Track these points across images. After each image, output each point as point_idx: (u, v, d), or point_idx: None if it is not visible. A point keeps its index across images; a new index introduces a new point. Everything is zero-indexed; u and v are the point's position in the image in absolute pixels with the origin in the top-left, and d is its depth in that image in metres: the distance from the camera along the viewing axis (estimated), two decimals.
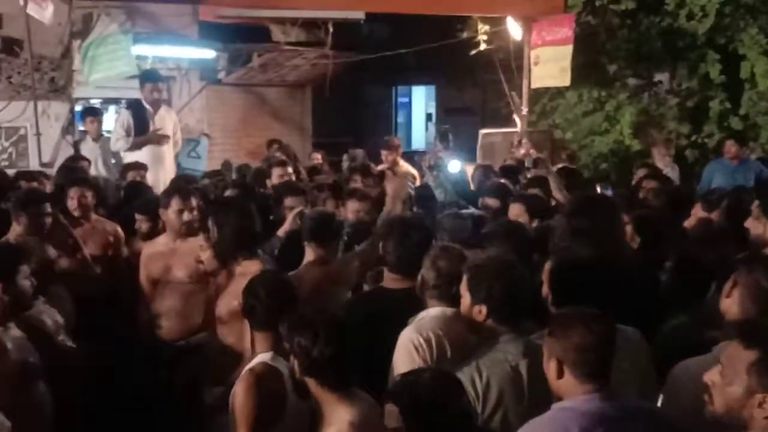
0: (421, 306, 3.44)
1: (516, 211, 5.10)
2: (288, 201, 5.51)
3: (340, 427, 2.79)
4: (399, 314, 3.42)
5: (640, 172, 7.29)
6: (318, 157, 10.12)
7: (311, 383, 2.95)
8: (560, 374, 2.58)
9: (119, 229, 5.49)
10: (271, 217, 5.59)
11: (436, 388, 2.51)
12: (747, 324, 2.44)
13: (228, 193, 6.27)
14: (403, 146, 17.69)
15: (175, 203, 4.62)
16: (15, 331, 3.57)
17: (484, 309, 3.04)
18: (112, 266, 5.30)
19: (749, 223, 4.37)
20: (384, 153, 8.23)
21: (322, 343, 2.89)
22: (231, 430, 3.28)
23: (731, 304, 2.97)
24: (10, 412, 3.14)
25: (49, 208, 4.87)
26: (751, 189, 5.83)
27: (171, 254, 4.64)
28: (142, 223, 5.35)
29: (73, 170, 6.60)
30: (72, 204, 5.33)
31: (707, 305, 3.43)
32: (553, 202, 5.64)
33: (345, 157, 9.10)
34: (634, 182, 6.91)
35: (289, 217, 5.21)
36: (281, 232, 5.14)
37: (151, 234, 5.16)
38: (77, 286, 4.59)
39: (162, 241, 4.76)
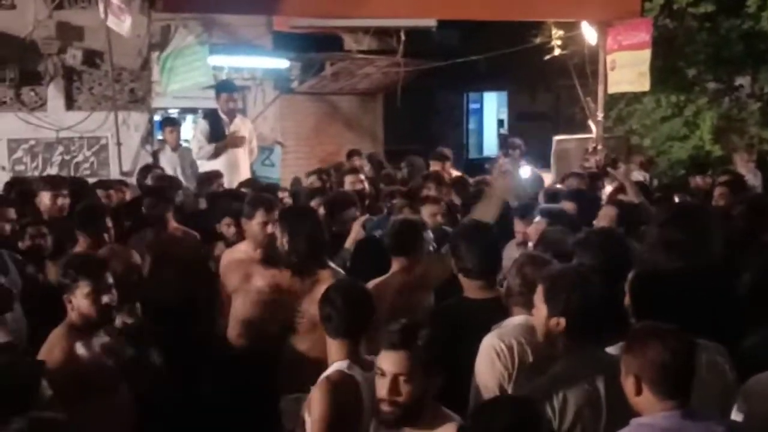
0: (503, 315, 3.42)
1: (606, 212, 5.04)
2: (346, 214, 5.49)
3: None
4: (481, 324, 3.40)
5: (722, 179, 7.08)
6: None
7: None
8: (639, 391, 2.55)
9: (197, 237, 5.60)
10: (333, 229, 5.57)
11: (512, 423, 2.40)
12: None
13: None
14: (474, 153, 17.79)
15: (260, 215, 4.59)
16: (103, 339, 3.67)
17: (562, 321, 2.98)
18: (191, 273, 5.39)
19: None
20: (432, 163, 8.16)
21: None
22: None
23: None
24: (92, 416, 3.23)
25: (108, 223, 4.97)
26: None
27: (251, 262, 4.64)
28: (227, 228, 5.40)
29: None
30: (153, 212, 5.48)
31: None
32: None
33: (403, 164, 9.07)
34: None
35: (355, 226, 5.22)
36: (348, 243, 5.14)
37: (237, 239, 5.18)
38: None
39: (242, 249, 4.78)
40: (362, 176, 7.17)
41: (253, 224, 4.62)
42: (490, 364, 3.17)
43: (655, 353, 2.51)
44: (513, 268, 3.46)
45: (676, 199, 6.03)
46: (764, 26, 9.87)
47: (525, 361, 3.17)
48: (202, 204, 6.68)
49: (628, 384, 2.58)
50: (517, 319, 3.34)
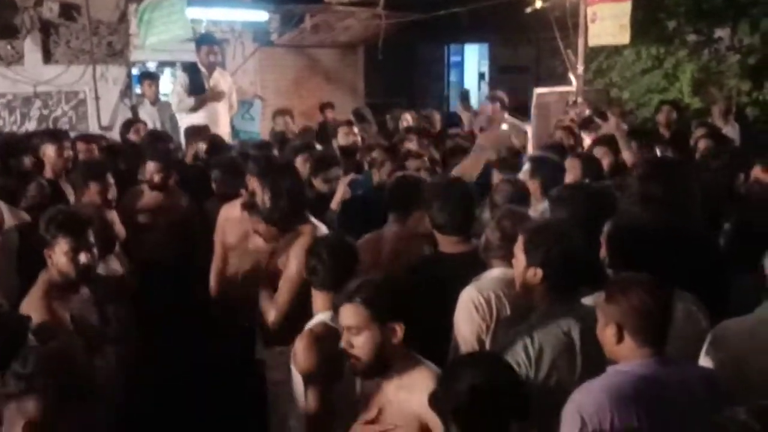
0: (479, 269, 3.46)
1: (570, 164, 5.07)
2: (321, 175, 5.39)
3: (428, 387, 2.72)
4: (458, 278, 3.44)
5: (698, 132, 7.15)
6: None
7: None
8: (620, 339, 2.59)
9: (188, 199, 5.63)
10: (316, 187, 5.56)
11: (478, 392, 2.38)
12: None
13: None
14: (455, 106, 17.73)
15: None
16: (83, 297, 3.68)
17: (539, 272, 3.02)
18: (186, 233, 5.43)
19: None
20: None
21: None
22: (291, 387, 3.37)
23: None
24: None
25: (111, 180, 4.99)
26: None
27: (249, 221, 4.63)
28: (219, 183, 5.39)
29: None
30: (151, 177, 5.48)
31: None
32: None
33: (388, 117, 9.07)
34: (692, 142, 6.77)
35: (340, 186, 5.22)
36: (334, 203, 5.13)
37: (228, 194, 5.17)
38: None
39: (239, 205, 4.77)
40: (356, 129, 7.17)
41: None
42: (469, 317, 3.22)
43: (638, 301, 2.55)
44: (492, 222, 3.49)
45: (657, 152, 6.06)
46: None
47: (503, 314, 3.23)
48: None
49: (608, 333, 2.61)
50: (495, 272, 3.37)
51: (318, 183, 5.35)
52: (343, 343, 2.81)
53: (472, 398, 2.31)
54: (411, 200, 4.28)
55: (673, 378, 2.55)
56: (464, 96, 7.70)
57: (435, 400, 2.46)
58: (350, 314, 2.79)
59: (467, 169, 4.63)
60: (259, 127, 9.91)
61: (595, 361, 2.86)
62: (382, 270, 3.74)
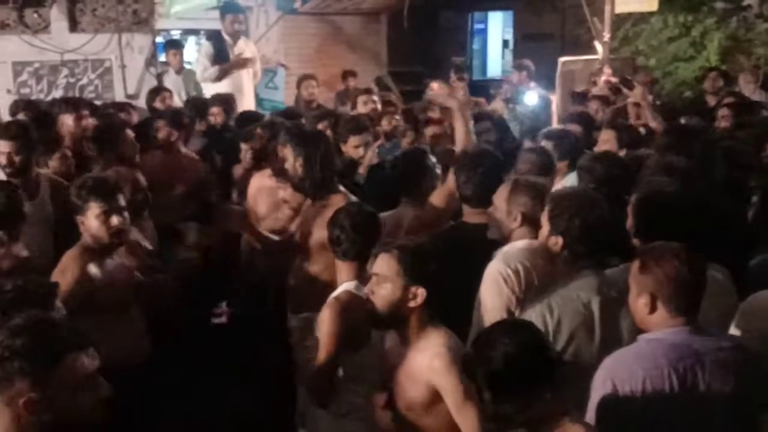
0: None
1: (606, 137, 5.03)
2: (352, 140, 5.25)
3: (438, 351, 2.82)
4: (480, 247, 3.47)
5: (726, 101, 7.07)
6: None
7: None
8: (653, 308, 2.60)
9: (201, 163, 5.68)
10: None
11: (512, 358, 2.37)
12: None
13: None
14: (477, 74, 17.60)
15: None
16: (116, 260, 3.75)
17: (560, 241, 3.05)
18: (201, 199, 5.47)
19: None
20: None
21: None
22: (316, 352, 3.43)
23: None
24: (104, 333, 3.35)
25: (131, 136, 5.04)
26: None
27: (279, 189, 4.64)
28: (246, 153, 5.40)
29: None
30: (161, 135, 5.52)
31: None
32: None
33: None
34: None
35: (368, 153, 5.21)
36: (362, 168, 5.14)
37: (256, 164, 5.20)
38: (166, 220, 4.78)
39: (271, 174, 4.80)
40: (375, 97, 7.15)
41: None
42: (498, 290, 3.21)
43: (672, 270, 2.55)
44: (512, 193, 3.46)
45: (683, 122, 6.00)
46: None
47: (531, 284, 3.22)
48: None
49: (641, 302, 2.61)
50: (519, 243, 3.37)
51: (348, 148, 5.25)
52: (367, 288, 2.92)
53: (506, 364, 2.33)
54: (415, 179, 4.29)
55: (705, 347, 2.56)
56: (458, 67, 7.58)
57: (467, 365, 2.49)
58: (382, 263, 2.88)
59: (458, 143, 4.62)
60: (283, 96, 9.91)
61: (613, 334, 2.93)
62: None
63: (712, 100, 7.64)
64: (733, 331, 2.91)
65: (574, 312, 2.94)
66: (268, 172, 4.84)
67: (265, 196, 4.75)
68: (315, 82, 8.15)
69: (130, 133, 5.10)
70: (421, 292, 2.83)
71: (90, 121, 5.82)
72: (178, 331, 4.27)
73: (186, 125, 5.80)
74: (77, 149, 5.47)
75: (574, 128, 5.58)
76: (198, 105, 6.89)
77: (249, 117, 6.62)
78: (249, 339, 4.68)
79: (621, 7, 9.30)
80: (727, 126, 5.66)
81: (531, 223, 3.36)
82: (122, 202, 3.69)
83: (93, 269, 3.59)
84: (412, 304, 2.84)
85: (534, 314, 2.94)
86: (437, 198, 4.28)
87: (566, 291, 2.99)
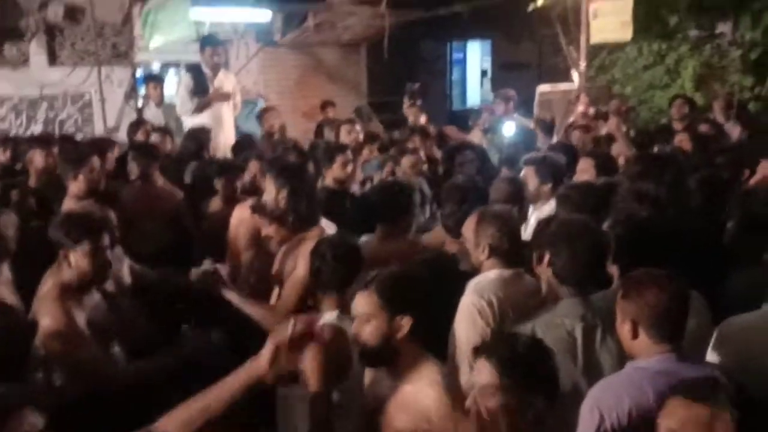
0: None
1: (584, 166, 5.09)
2: (339, 159, 5.43)
3: (433, 379, 2.78)
4: (453, 278, 3.49)
5: (702, 128, 7.18)
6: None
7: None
8: (635, 335, 2.61)
9: (180, 194, 5.66)
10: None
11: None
12: None
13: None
14: (457, 104, 17.74)
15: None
16: (95, 297, 3.73)
17: (549, 269, 3.07)
18: (178, 228, 5.47)
19: None
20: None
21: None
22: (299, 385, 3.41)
23: None
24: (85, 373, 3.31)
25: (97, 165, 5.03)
26: None
27: (260, 223, 4.62)
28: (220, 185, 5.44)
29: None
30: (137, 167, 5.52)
31: None
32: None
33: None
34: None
35: (356, 170, 5.28)
36: (355, 185, 5.24)
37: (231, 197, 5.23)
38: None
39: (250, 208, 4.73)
40: (357, 127, 7.22)
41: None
42: (472, 323, 3.20)
43: (653, 297, 2.57)
44: (473, 223, 3.49)
45: (655, 150, 6.09)
46: None
47: (506, 315, 3.22)
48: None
49: (624, 329, 2.63)
50: (491, 274, 3.37)
51: (335, 170, 5.37)
52: (353, 329, 2.85)
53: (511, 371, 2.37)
54: (396, 209, 4.27)
55: (689, 374, 2.56)
56: (412, 93, 7.61)
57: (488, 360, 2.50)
58: (361, 302, 2.82)
59: None
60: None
61: (595, 361, 2.94)
62: None
63: (679, 126, 7.76)
64: (710, 355, 2.93)
65: (557, 339, 2.94)
66: (248, 203, 4.85)
67: (246, 227, 4.74)
68: (276, 113, 8.17)
69: (96, 161, 5.07)
70: (406, 321, 2.78)
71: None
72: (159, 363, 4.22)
73: (161, 156, 5.80)
74: (45, 184, 5.44)
75: (559, 158, 5.63)
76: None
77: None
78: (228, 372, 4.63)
79: (596, 37, 9.42)
80: (687, 148, 5.74)
81: (499, 254, 3.38)
82: (107, 239, 3.68)
83: (73, 309, 3.56)
84: (400, 335, 2.81)
85: None
86: (434, 235, 4.28)
87: (550, 316, 3.01)
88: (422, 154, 6.14)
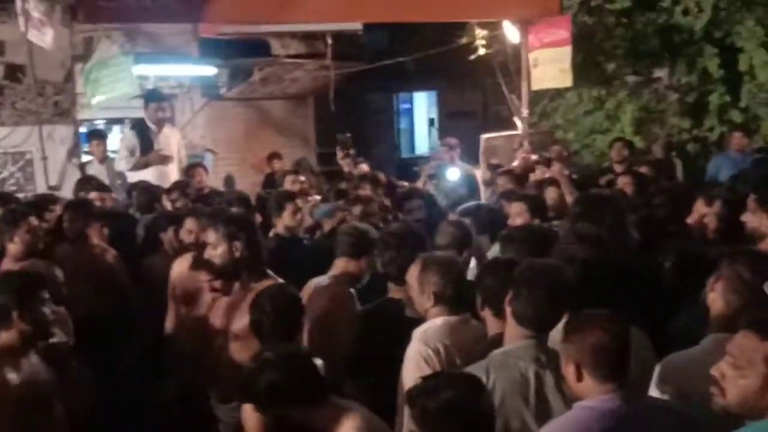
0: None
1: (517, 210, 5.14)
2: (289, 207, 5.57)
3: (355, 426, 2.79)
4: (401, 325, 3.48)
5: (642, 170, 7.34)
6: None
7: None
8: (579, 377, 2.62)
9: (115, 254, 5.57)
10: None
11: (456, 390, 2.47)
12: (760, 316, 2.45)
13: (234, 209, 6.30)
14: (406, 152, 17.94)
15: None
16: (32, 359, 3.62)
17: (509, 310, 3.06)
18: (113, 288, 5.37)
19: (746, 217, 4.35)
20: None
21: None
22: None
23: (715, 297, 3.00)
24: None
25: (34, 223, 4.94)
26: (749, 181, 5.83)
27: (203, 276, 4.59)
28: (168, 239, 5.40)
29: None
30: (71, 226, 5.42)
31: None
32: None
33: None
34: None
35: (305, 213, 5.34)
36: (303, 231, 5.29)
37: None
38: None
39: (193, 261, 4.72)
40: (302, 177, 7.27)
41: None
42: (419, 371, 3.18)
43: (593, 339, 2.57)
44: (417, 271, 3.49)
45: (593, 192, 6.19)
46: (679, 20, 10.20)
47: (453, 362, 3.22)
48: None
49: (569, 371, 2.64)
50: (438, 321, 3.37)
51: (286, 218, 5.49)
52: None
53: (446, 414, 2.36)
54: (355, 251, 4.28)
55: (637, 414, 2.57)
56: (343, 144, 7.70)
57: (411, 410, 2.49)
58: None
59: None
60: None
61: (547, 404, 2.94)
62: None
63: (619, 169, 7.94)
64: (653, 391, 2.94)
65: (509, 378, 2.95)
66: (188, 256, 4.78)
67: (187, 281, 4.66)
68: (203, 170, 8.18)
69: (33, 221, 4.98)
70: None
71: None
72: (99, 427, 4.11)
73: (96, 215, 5.71)
74: None
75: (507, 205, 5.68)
76: None
77: None
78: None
79: (537, 84, 9.63)
80: (629, 192, 5.85)
81: (444, 300, 3.38)
82: (46, 294, 3.59)
83: (10, 373, 3.45)
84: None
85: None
86: None
87: (504, 357, 3.00)
88: (375, 203, 6.18)
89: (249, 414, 3.21)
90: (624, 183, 6.25)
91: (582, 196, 4.44)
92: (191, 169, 8.20)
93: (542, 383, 2.97)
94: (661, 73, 11.30)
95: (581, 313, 2.74)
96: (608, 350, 2.58)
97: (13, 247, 4.86)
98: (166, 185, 7.83)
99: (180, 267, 4.80)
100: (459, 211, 5.32)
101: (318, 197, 6.20)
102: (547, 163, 7.26)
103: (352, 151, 7.71)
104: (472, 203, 5.53)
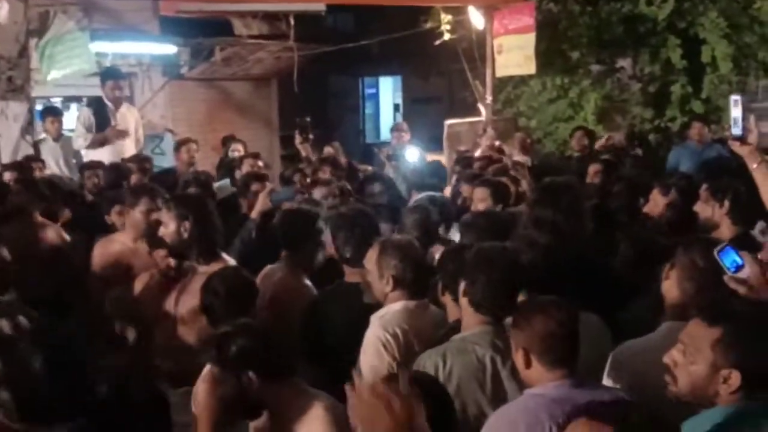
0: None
1: (481, 195, 5.13)
2: (254, 187, 5.50)
3: (319, 414, 2.75)
4: (358, 309, 3.45)
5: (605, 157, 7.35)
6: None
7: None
8: (528, 364, 2.63)
9: (62, 231, 5.43)
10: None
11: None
12: (707, 302, 2.45)
13: (191, 190, 6.19)
14: (371, 137, 17.90)
15: (144, 203, 4.50)
16: None
17: (465, 300, 3.07)
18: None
19: (698, 207, 4.36)
20: None
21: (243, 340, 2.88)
22: (193, 430, 3.27)
23: (670, 285, 2.98)
24: None
25: None
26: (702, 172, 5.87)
27: (132, 255, 4.51)
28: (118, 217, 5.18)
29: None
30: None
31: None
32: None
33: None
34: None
35: (261, 197, 5.18)
36: (254, 213, 5.09)
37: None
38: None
39: (120, 240, 4.66)
40: (260, 162, 7.19)
41: (136, 212, 4.51)
42: (378, 356, 3.20)
43: (540, 325, 2.59)
44: (376, 254, 3.46)
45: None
46: (643, 9, 10.22)
47: (411, 347, 3.21)
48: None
49: (518, 358, 2.65)
50: (396, 306, 3.35)
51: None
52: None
53: None
54: (300, 236, 4.23)
55: (584, 399, 2.56)
56: (302, 127, 7.68)
57: None
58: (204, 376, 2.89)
59: None
60: (172, 161, 9.72)
61: (503, 389, 2.95)
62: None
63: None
64: (606, 380, 2.93)
65: (465, 363, 2.95)
66: (116, 237, 4.69)
67: (115, 260, 4.55)
68: (195, 146, 8.02)
69: None
70: (253, 376, 2.79)
71: None
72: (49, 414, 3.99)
73: (45, 195, 5.54)
74: None
75: (466, 189, 5.65)
76: None
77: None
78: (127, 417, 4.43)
79: (501, 71, 9.63)
80: (598, 181, 5.85)
81: (403, 285, 3.35)
82: None
83: None
84: (254, 387, 2.80)
85: (429, 362, 2.95)
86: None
87: (462, 343, 3.01)
88: (334, 186, 6.11)
89: (201, 396, 3.14)
90: (594, 171, 6.22)
91: (541, 183, 4.45)
92: (182, 144, 8.01)
93: (498, 369, 2.97)
94: (624, 62, 11.34)
95: (528, 300, 2.80)
96: (555, 337, 2.60)
97: None
98: None
99: (105, 249, 4.66)
100: (411, 205, 5.29)
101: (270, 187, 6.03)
102: (500, 152, 7.30)
103: (311, 136, 7.63)
104: (423, 196, 5.46)
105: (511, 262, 3.09)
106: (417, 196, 5.57)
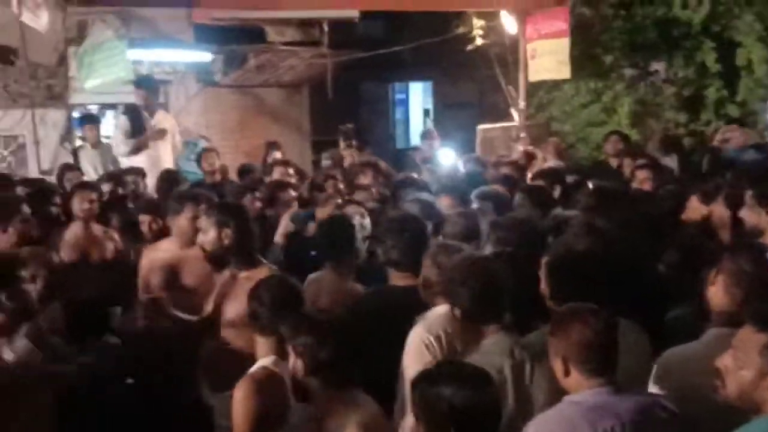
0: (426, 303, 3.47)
1: (521, 201, 5.13)
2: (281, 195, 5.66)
3: (351, 429, 2.78)
4: (405, 312, 3.45)
5: (640, 162, 7.26)
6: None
7: (316, 385, 2.95)
8: (567, 372, 2.63)
9: (116, 237, 5.51)
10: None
11: (459, 382, 2.47)
12: (759, 308, 2.44)
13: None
14: (401, 143, 17.89)
15: (189, 210, 4.51)
16: (21, 341, 3.57)
17: (457, 312, 3.12)
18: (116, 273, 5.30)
19: (744, 213, 4.31)
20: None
21: (329, 344, 2.91)
22: None
23: (716, 291, 2.97)
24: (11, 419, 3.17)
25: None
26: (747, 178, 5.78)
27: (178, 262, 4.53)
28: (147, 225, 5.30)
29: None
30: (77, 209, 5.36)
31: None
32: None
33: (325, 155, 9.09)
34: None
35: (283, 221, 5.22)
36: (278, 237, 5.13)
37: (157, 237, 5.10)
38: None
39: (165, 247, 4.67)
40: (291, 170, 7.20)
41: (181, 219, 4.53)
42: (419, 357, 3.20)
43: (578, 334, 2.58)
44: (428, 259, 3.51)
45: (590, 185, 6.13)
46: (677, 13, 10.15)
47: (454, 349, 3.22)
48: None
49: (557, 366, 2.65)
50: (440, 309, 3.36)
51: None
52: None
53: (452, 408, 2.38)
54: (342, 243, 4.30)
55: (626, 407, 2.56)
56: (346, 134, 7.62)
57: (414, 402, 2.51)
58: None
59: None
60: None
61: (527, 398, 2.98)
62: None
63: (614, 162, 7.89)
64: (651, 388, 2.92)
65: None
66: (162, 245, 4.72)
67: (161, 269, 4.59)
68: (215, 154, 8.09)
69: (26, 211, 4.93)
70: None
71: None
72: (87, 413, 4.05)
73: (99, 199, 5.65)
74: None
75: (500, 189, 5.65)
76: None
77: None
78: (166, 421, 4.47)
79: (534, 76, 9.60)
80: (647, 188, 5.75)
81: None
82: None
83: (4, 348, 3.42)
84: None
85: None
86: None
87: (480, 356, 3.00)
88: (374, 190, 6.14)
89: (239, 402, 3.17)
90: (642, 178, 6.10)
91: (593, 189, 4.41)
92: (203, 153, 8.10)
93: (520, 377, 3.00)
94: (658, 66, 11.24)
95: (566, 308, 2.76)
96: (592, 345, 2.59)
97: (5, 239, 4.79)
98: (157, 170, 7.78)
99: (151, 256, 4.68)
100: (477, 193, 5.27)
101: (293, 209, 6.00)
102: (530, 157, 7.29)
103: (354, 142, 7.65)
104: (485, 189, 5.46)
105: (490, 272, 3.14)
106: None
